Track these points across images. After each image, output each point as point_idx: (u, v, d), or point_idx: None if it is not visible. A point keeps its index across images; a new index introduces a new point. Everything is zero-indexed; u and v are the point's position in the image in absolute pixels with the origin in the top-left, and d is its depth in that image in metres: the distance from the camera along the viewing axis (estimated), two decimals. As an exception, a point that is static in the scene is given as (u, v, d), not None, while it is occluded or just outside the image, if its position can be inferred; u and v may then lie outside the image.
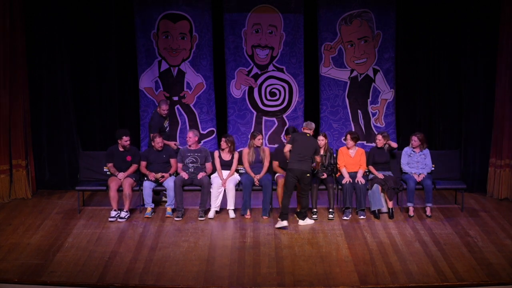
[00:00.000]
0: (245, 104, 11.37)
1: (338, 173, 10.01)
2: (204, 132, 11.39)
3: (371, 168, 9.97)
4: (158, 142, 9.87)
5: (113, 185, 9.69)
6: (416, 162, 9.97)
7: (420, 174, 9.87)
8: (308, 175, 9.22)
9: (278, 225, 9.17)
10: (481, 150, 10.80)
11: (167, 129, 10.50)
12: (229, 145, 9.93)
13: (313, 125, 9.54)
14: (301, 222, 9.40)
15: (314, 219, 9.52)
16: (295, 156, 9.15)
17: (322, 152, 9.79)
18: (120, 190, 9.73)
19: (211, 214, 9.71)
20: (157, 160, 9.93)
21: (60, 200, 10.57)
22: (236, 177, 9.96)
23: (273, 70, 11.31)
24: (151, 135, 10.08)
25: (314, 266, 7.88)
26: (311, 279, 7.54)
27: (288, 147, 9.26)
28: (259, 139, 9.91)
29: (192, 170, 9.90)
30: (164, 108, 10.26)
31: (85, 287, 7.43)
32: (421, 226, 9.31)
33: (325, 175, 9.71)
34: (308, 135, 9.34)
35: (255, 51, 11.24)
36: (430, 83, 11.20)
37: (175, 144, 10.43)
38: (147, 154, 10.02)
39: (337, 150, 10.15)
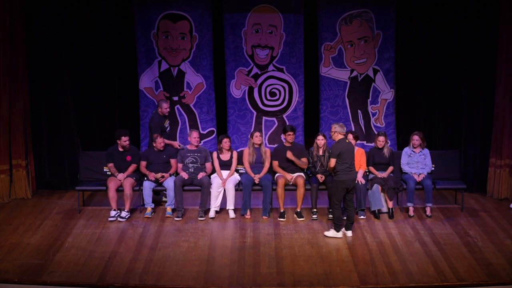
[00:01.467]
0: (245, 104, 11.37)
1: (338, 173, 10.01)
2: (204, 132, 11.39)
3: (372, 168, 9.97)
4: (159, 142, 9.87)
5: (111, 185, 9.69)
6: (416, 162, 9.97)
7: (420, 174, 9.87)
8: (356, 182, 9.20)
9: (330, 234, 8.87)
10: (481, 150, 10.79)
11: (168, 129, 10.49)
12: (229, 144, 9.95)
13: (344, 127, 8.93)
14: (330, 233, 8.88)
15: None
16: (345, 167, 8.73)
17: (321, 152, 9.80)
18: (119, 190, 9.73)
19: (211, 214, 9.71)
20: (157, 160, 9.93)
21: (60, 200, 10.57)
22: (236, 177, 9.96)
23: (273, 70, 11.31)
24: (154, 135, 10.05)
25: (314, 266, 7.87)
26: (311, 279, 7.54)
27: (333, 162, 8.75)
28: (256, 136, 9.91)
29: (192, 170, 9.90)
30: (165, 107, 10.24)
31: (85, 287, 7.43)
32: (421, 226, 9.31)
33: (323, 178, 9.70)
34: (347, 141, 8.91)
35: (255, 51, 11.24)
36: (430, 83, 11.20)
37: (178, 145, 10.41)
38: (147, 154, 10.01)
39: (337, 150, 10.15)
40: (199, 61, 11.23)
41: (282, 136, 10.10)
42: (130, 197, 9.65)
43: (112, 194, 9.64)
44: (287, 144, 9.85)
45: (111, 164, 9.91)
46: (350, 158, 8.78)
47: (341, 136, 8.84)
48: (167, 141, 10.17)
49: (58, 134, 11.00)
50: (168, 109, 10.32)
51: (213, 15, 11.13)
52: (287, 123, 11.25)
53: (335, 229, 8.85)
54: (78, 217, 9.69)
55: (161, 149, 9.91)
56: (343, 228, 8.89)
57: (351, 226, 8.94)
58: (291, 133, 9.75)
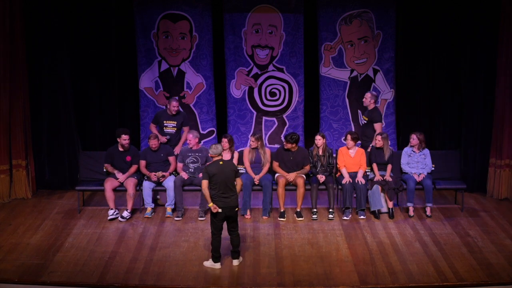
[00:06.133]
0: (245, 104, 11.37)
1: (338, 173, 10.01)
2: (204, 132, 11.39)
3: (374, 166, 9.93)
4: (153, 143, 9.83)
5: (107, 185, 9.68)
6: (416, 162, 9.97)
7: (420, 174, 9.87)
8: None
9: (208, 264, 7.90)
10: (481, 150, 10.79)
11: (170, 131, 10.38)
12: (230, 144, 9.94)
13: (218, 148, 8.04)
14: (209, 263, 7.94)
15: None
16: (217, 193, 7.86)
17: (320, 152, 9.82)
18: (119, 190, 9.73)
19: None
20: (155, 159, 9.91)
21: (60, 200, 10.57)
22: (236, 177, 9.96)
23: (273, 70, 11.31)
24: (149, 135, 10.01)
25: (314, 266, 7.88)
26: (311, 279, 7.54)
27: (204, 184, 7.87)
28: (252, 141, 9.86)
29: (193, 170, 9.90)
30: (174, 105, 10.19)
31: (85, 287, 7.44)
32: (421, 226, 9.31)
33: (323, 178, 9.71)
34: (221, 162, 7.97)
35: (255, 51, 11.24)
36: (430, 83, 11.20)
37: (166, 139, 10.22)
38: (145, 154, 9.99)
39: (337, 150, 10.15)
40: (199, 61, 11.23)
41: (283, 137, 10.10)
42: (133, 197, 9.65)
43: (109, 194, 9.64)
44: (293, 149, 9.80)
45: (107, 165, 9.89)
46: (222, 183, 7.80)
47: (216, 158, 7.94)
48: (154, 132, 10.11)
49: (58, 134, 10.99)
50: (175, 109, 10.18)
51: (213, 15, 11.13)
52: (287, 123, 11.27)
53: (212, 259, 7.89)
54: (78, 217, 9.69)
55: (155, 149, 9.88)
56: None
57: (236, 254, 8.01)
58: (288, 145, 9.67)
